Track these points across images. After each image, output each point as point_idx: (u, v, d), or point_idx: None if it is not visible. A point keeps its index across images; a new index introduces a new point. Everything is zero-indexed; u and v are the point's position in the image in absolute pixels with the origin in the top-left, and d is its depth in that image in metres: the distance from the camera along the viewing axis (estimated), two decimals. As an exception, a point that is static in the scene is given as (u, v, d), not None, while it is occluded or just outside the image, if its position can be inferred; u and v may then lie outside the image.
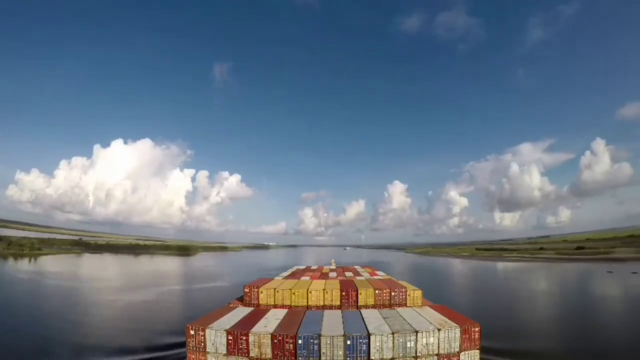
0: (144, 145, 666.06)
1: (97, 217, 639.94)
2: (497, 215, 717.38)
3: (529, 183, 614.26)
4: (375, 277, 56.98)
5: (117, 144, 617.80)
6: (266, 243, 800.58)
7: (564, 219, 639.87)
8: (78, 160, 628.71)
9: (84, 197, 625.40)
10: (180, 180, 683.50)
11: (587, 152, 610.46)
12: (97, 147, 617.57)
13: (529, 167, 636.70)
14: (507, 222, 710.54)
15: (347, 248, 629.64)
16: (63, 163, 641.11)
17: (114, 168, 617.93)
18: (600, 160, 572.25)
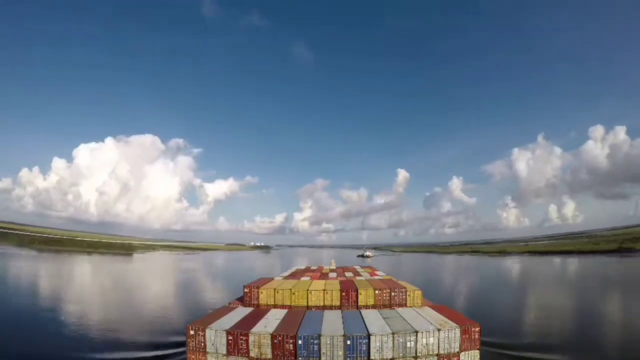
0: (136, 143, 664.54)
1: (84, 216, 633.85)
2: (505, 212, 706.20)
3: (542, 177, 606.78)
4: (375, 277, 56.99)
5: (111, 142, 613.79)
6: (252, 244, 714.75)
7: (578, 214, 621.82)
8: (76, 156, 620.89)
9: (75, 197, 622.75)
10: (175, 178, 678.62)
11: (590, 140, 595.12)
12: (87, 146, 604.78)
13: (542, 162, 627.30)
14: (516, 220, 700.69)
15: (368, 252, 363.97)
16: (58, 161, 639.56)
17: (105, 167, 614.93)
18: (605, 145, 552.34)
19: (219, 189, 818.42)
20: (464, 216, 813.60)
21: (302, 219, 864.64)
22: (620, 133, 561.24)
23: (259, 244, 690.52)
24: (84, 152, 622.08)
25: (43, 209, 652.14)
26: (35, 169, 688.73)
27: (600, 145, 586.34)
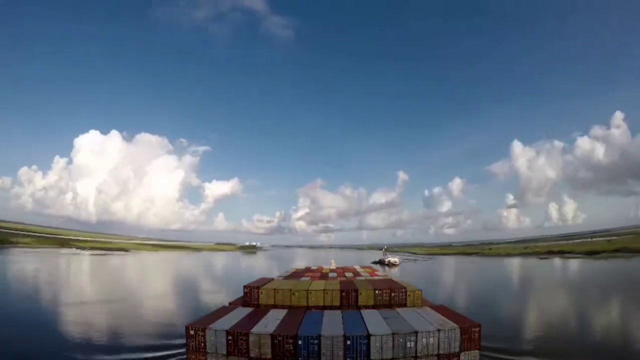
0: (140, 142, 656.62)
1: (82, 215, 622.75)
2: (506, 212, 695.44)
3: (544, 176, 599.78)
4: (375, 277, 57.06)
5: (116, 135, 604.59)
6: (248, 243, 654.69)
7: (578, 214, 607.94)
8: (78, 151, 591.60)
9: (74, 195, 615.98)
10: (177, 178, 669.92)
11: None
12: (90, 137, 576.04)
13: (544, 160, 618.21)
14: (516, 219, 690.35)
15: (392, 258, 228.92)
16: (59, 160, 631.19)
17: (107, 165, 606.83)
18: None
19: (220, 188, 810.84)
20: (463, 216, 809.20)
21: (298, 217, 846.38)
22: (622, 129, 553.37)
23: (247, 244, 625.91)
24: (86, 150, 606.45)
25: (42, 207, 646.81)
26: (34, 167, 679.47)
27: (602, 142, 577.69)
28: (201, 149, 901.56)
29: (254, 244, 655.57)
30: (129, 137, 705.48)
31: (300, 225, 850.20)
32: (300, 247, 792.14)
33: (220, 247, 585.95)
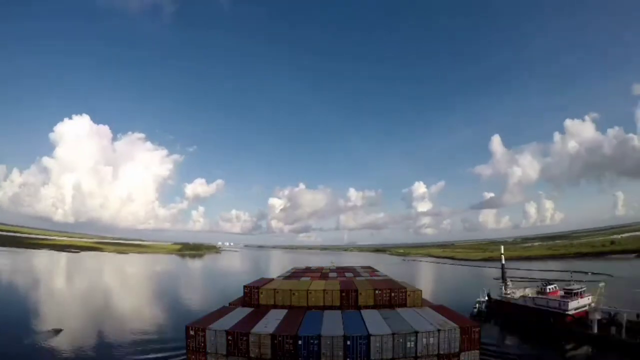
0: (124, 141, 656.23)
1: (58, 214, 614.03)
2: (488, 212, 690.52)
3: (526, 176, 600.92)
4: (375, 277, 57.05)
5: (106, 130, 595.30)
6: (225, 243, 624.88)
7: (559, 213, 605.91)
8: (58, 140, 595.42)
9: (50, 194, 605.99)
10: (157, 177, 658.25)
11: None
12: (71, 128, 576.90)
13: (526, 160, 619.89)
14: (496, 220, 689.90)
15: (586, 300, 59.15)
16: (40, 159, 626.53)
17: (86, 163, 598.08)
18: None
19: (201, 188, 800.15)
20: (442, 216, 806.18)
21: (273, 216, 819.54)
22: (595, 124, 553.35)
23: (191, 243, 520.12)
24: (68, 141, 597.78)
25: (17, 207, 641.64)
26: (7, 166, 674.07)
27: (575, 138, 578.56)
28: (190, 149, 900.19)
29: (223, 243, 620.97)
30: (113, 135, 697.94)
31: (277, 224, 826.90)
32: (275, 247, 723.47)
33: (174, 247, 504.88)
